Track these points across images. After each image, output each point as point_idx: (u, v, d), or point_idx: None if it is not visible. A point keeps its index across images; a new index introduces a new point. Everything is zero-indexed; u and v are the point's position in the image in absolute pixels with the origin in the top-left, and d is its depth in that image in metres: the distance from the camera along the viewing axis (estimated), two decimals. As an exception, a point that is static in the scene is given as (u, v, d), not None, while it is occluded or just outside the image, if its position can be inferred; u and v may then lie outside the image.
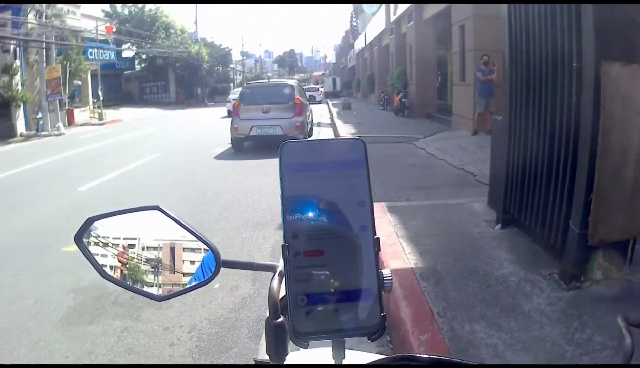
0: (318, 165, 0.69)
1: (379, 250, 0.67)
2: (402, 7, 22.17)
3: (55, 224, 6.95)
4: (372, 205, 0.69)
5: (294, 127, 12.88)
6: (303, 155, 0.70)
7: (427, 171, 8.89)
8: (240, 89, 19.68)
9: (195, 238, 0.93)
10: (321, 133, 17.78)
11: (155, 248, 0.97)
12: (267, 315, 0.77)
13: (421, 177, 8.30)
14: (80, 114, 30.96)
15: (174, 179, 9.93)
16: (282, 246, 0.67)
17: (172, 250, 0.96)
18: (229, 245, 5.50)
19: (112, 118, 31.64)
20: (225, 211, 7.04)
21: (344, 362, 0.71)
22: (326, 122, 22.61)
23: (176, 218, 0.90)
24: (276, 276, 0.85)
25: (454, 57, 15.73)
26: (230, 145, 13.61)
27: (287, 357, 0.77)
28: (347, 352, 0.72)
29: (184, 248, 0.96)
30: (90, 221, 0.94)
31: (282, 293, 0.73)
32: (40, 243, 6.08)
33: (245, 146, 13.49)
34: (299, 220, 0.68)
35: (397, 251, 4.60)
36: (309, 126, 15.11)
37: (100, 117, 30.94)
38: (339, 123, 18.72)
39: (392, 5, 25.27)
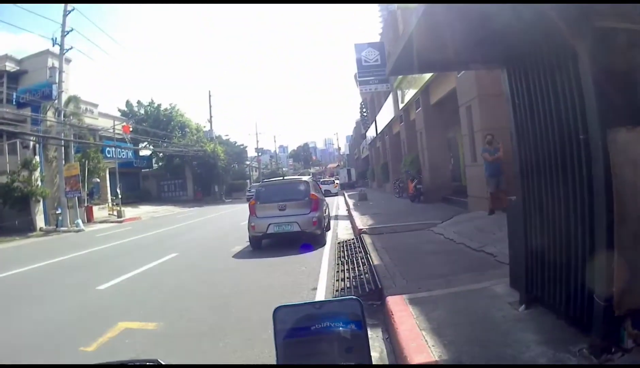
0: (314, 330, 0.69)
1: None
2: (409, 94, 22.74)
3: (74, 323, 6.87)
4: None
5: (311, 223, 12.88)
6: (298, 320, 0.69)
7: (446, 257, 8.75)
8: (255, 184, 20.13)
9: None
10: (339, 226, 17.79)
11: None
12: None
13: (441, 264, 8.16)
14: (99, 211, 31.61)
15: (192, 279, 9.86)
16: None
17: None
18: (250, 347, 5.37)
19: (131, 215, 32.18)
20: (245, 311, 6.90)
21: None
22: (343, 214, 22.70)
23: None
24: None
25: (463, 138, 15.92)
26: (249, 243, 13.61)
27: None
28: None
29: None
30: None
31: None
32: (58, 342, 5.99)
33: (264, 244, 13.46)
34: None
35: (420, 345, 4.45)
36: (326, 220, 15.15)
37: (119, 215, 31.51)
38: (355, 215, 18.75)
39: (399, 93, 25.95)
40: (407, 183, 24.03)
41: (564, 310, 4.26)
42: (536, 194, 4.70)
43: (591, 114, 3.53)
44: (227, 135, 66.46)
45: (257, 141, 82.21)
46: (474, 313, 5.19)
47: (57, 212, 25.82)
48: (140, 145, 45.71)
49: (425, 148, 21.10)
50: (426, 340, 4.57)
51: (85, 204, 29.56)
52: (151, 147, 48.10)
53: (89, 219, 29.32)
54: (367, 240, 11.90)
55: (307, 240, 12.84)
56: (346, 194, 37.14)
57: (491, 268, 7.29)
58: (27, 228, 24.09)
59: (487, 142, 12.48)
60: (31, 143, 26.48)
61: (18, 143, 26.06)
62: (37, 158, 26.41)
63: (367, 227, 14.20)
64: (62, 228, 25.11)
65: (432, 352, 4.28)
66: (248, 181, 65.92)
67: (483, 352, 4.12)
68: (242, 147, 70.68)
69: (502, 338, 4.35)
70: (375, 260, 9.09)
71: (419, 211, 17.59)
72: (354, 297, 0.71)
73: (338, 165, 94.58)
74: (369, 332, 0.68)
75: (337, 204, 30.03)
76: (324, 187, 24.76)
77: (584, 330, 3.91)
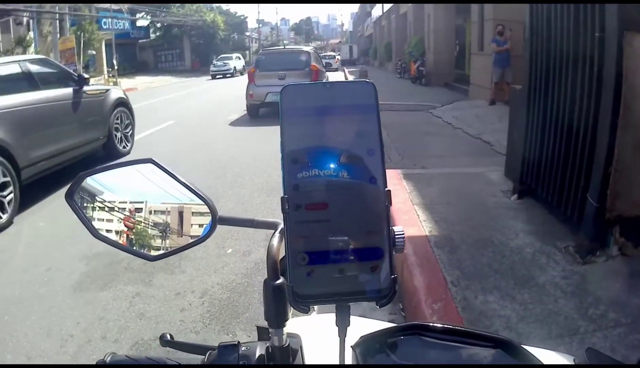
0: (323, 110, 0.62)
1: (390, 204, 0.61)
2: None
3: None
4: (383, 154, 0.62)
5: None
6: (306, 99, 0.62)
7: (443, 139, 8.81)
8: (223, 56, 19.91)
9: (191, 194, 0.86)
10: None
11: (149, 205, 0.91)
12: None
13: (437, 145, 8.23)
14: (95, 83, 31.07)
15: (188, 146, 9.93)
16: (282, 198, 0.60)
17: (167, 206, 0.91)
18: (243, 210, 5.50)
19: (127, 86, 31.65)
20: (240, 177, 7.03)
21: (349, 329, 0.65)
22: (343, 89, 22.41)
23: (171, 171, 0.84)
24: (277, 233, 0.79)
25: (472, 26, 15.53)
26: (246, 112, 13.56)
27: (287, 323, 0.72)
28: (352, 318, 0.66)
29: (179, 204, 0.89)
30: (82, 177, 0.87)
31: (283, 252, 0.65)
32: (54, 212, 6.07)
33: (261, 113, 13.42)
34: (301, 170, 0.60)
35: (411, 219, 4.58)
36: (326, 92, 15.00)
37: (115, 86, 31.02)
38: (355, 91, 18.63)
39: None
40: (409, 64, 23.64)
41: (556, 205, 4.33)
42: (543, 87, 4.66)
43: (610, 12, 3.41)
44: (227, 6, 64.33)
45: (258, 12, 79.76)
46: (466, 195, 5.31)
47: (53, 86, 25.40)
48: (138, 15, 44.28)
49: (432, 31, 20.55)
50: (418, 215, 4.71)
51: (81, 77, 29.03)
52: (149, 17, 46.62)
53: (85, 92, 28.91)
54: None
55: None
56: (346, 70, 36.62)
57: (487, 155, 7.37)
58: (22, 104, 23.71)
59: (498, 32, 12.25)
60: (25, 19, 25.49)
61: (11, 20, 25.05)
62: (31, 33, 25.55)
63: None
64: (58, 102, 24.84)
65: (423, 226, 4.43)
66: (247, 52, 64.65)
67: (472, 232, 4.26)
68: (242, 17, 68.71)
69: (493, 222, 4.47)
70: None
71: (419, 93, 17.48)
72: (368, 80, 0.65)
73: (340, 41, 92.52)
74: None
75: (337, 79, 29.72)
76: (324, 61, 24.41)
77: (572, 228, 4.00)
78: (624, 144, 3.36)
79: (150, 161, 0.85)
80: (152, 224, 0.91)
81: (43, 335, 3.42)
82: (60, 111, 7.20)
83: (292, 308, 0.69)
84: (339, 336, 0.64)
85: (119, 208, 0.92)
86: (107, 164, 0.88)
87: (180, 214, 0.91)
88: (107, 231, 0.91)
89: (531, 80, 4.91)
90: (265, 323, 0.76)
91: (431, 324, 0.72)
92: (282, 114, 0.62)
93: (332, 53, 57.16)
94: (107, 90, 9.01)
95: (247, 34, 73.95)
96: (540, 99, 4.71)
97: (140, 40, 49.76)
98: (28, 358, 3.13)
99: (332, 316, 0.64)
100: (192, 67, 51.87)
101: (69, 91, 7.48)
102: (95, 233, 0.89)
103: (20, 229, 5.65)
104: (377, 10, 41.48)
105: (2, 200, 5.62)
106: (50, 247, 5.05)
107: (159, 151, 9.58)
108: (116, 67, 31.88)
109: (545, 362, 0.70)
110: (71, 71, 8.49)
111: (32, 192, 6.38)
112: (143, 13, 44.50)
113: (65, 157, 7.17)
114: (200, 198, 0.85)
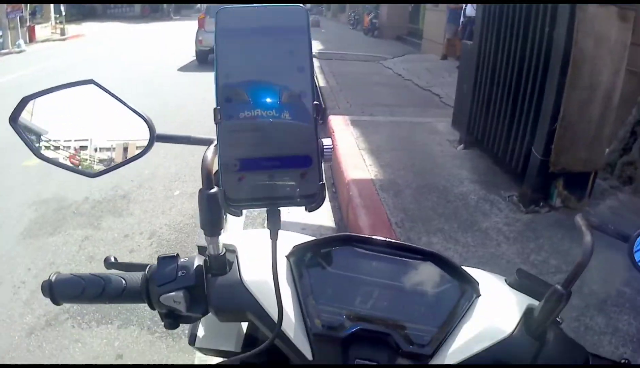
0: (256, 31, 0.64)
1: (318, 117, 0.63)
2: None
3: (15, 139, 6.61)
4: (313, 71, 0.65)
5: None
6: (241, 20, 0.64)
7: (393, 89, 8.87)
8: None
9: (130, 112, 0.89)
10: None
11: (90, 124, 0.95)
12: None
13: (386, 95, 8.28)
14: (41, 31, 29.56)
15: (136, 92, 9.64)
16: (214, 109, 0.62)
17: (107, 125, 0.94)
18: (190, 154, 5.46)
19: (74, 33, 30.42)
20: (188, 123, 6.96)
21: (284, 242, 0.67)
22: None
23: (111, 91, 0.87)
24: (211, 147, 0.83)
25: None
26: (195, 58, 13.40)
27: (222, 233, 0.76)
28: (286, 233, 0.68)
29: (118, 123, 0.92)
30: (25, 100, 0.89)
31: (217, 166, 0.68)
32: (0, 160, 5.89)
33: (210, 59, 13.23)
34: (234, 84, 0.63)
35: (357, 163, 4.67)
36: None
37: (62, 33, 29.68)
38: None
39: None
40: (363, 16, 23.53)
41: (501, 156, 4.48)
42: (493, 43, 4.74)
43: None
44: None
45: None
46: (412, 143, 5.43)
47: (-2, 35, 24.13)
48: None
49: (388, -17, 20.37)
50: (364, 159, 4.80)
51: (28, 25, 27.63)
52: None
53: (32, 39, 27.32)
54: (315, 63, 11.84)
55: None
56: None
57: (435, 107, 7.48)
58: (-36, 54, 22.40)
59: None
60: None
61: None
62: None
63: (316, 51, 14.06)
64: (3, 51, 23.44)
65: (368, 170, 4.53)
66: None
67: (417, 178, 4.38)
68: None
69: (438, 170, 4.61)
70: (322, 82, 9.18)
71: (371, 44, 17.47)
72: (301, 5, 0.68)
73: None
74: None
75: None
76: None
77: (517, 179, 4.18)
78: (571, 103, 3.51)
79: (91, 81, 0.87)
80: (93, 143, 0.94)
81: (-6, 283, 3.38)
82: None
83: (226, 218, 0.75)
84: (271, 238, 0.66)
85: (61, 129, 0.95)
86: (49, 87, 0.88)
87: (120, 132, 0.94)
88: (49, 151, 0.94)
89: (482, 35, 4.97)
90: (202, 243, 0.81)
91: (363, 236, 0.76)
92: (217, 33, 0.63)
93: (284, 2, 56.08)
94: None
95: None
96: (490, 54, 4.80)
97: (88, -15, 47.62)
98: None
99: (266, 231, 0.66)
100: (142, 13, 49.89)
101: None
102: (37, 153, 0.91)
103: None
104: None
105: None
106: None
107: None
108: (63, 14, 30.51)
109: (477, 280, 0.76)
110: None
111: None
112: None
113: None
114: (139, 116, 0.89)
